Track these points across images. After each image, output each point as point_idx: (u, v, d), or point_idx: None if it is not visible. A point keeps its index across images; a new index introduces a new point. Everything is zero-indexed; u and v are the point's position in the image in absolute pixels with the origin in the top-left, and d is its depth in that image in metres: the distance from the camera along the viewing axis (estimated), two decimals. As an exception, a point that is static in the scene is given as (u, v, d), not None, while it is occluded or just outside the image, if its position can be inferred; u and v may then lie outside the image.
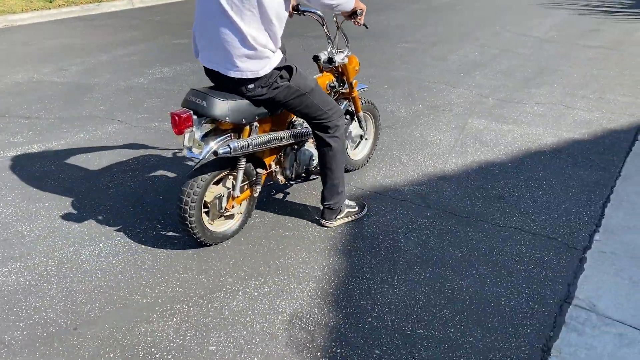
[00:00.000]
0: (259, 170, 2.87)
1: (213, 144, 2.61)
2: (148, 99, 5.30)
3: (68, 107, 5.09)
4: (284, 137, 2.92)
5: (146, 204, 3.37)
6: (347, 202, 3.14)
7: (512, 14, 9.56)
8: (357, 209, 3.18)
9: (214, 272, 2.73)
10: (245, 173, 2.87)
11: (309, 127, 3.06)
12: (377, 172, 3.75)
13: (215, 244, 2.91)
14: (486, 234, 3.02)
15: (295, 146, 3.13)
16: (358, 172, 3.74)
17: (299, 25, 8.01)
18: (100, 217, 3.21)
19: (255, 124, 2.77)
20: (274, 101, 2.69)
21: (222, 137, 2.67)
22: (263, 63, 2.51)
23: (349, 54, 3.29)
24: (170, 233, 3.04)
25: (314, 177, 3.26)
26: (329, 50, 3.22)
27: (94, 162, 3.94)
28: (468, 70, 6.14)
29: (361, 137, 3.71)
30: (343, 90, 3.41)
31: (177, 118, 2.51)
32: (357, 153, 3.78)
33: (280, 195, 3.44)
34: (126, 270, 2.75)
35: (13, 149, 4.18)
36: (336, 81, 3.30)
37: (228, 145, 2.60)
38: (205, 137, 2.69)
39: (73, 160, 3.97)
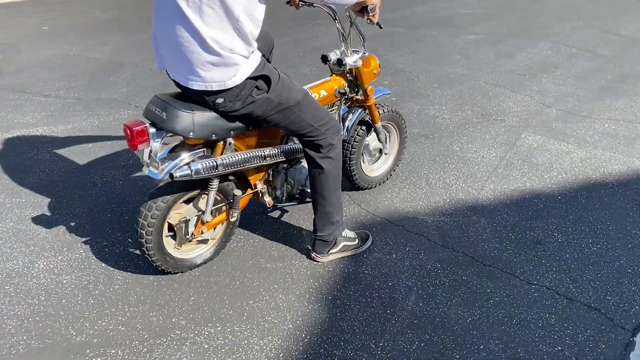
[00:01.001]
0: (236, 192, 2.40)
1: (172, 164, 2.16)
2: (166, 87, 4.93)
3: (90, 87, 4.83)
4: (268, 156, 2.43)
5: (126, 209, 3.00)
6: (346, 233, 2.63)
7: (603, 6, 8.47)
8: (356, 242, 2.66)
9: (168, 309, 2.31)
10: (222, 192, 2.43)
11: None
12: (396, 193, 3.20)
13: (181, 272, 2.49)
14: (510, 292, 2.42)
15: (287, 163, 2.64)
16: (373, 191, 3.21)
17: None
18: (71, 223, 2.88)
19: (230, 140, 2.29)
20: (251, 117, 2.21)
21: (191, 153, 2.23)
22: (231, 72, 2.03)
23: (366, 54, 2.75)
24: (138, 251, 2.66)
25: (307, 202, 2.76)
26: (341, 49, 2.68)
27: (90, 153, 3.62)
28: (535, 72, 5.36)
29: (380, 151, 3.15)
30: (358, 97, 2.87)
31: (129, 131, 2.08)
32: (375, 169, 3.23)
33: (276, 214, 2.98)
34: (74, 294, 2.39)
35: (17, 131, 3.94)
36: (347, 86, 2.76)
37: (188, 166, 2.15)
38: (173, 151, 2.26)
39: (70, 149, 3.68)
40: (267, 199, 2.58)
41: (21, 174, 3.37)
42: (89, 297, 2.37)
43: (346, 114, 2.87)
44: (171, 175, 2.10)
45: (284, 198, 2.66)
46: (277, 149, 2.47)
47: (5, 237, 2.75)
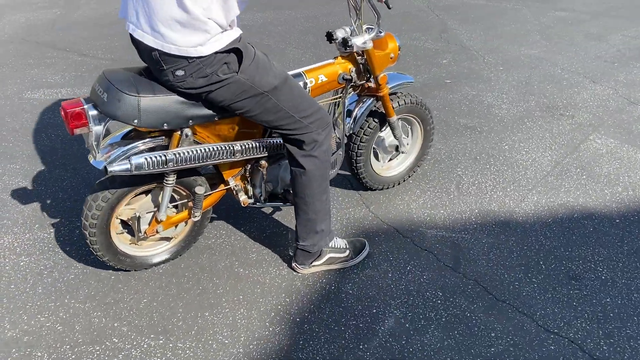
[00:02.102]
0: (197, 190, 2.06)
1: (113, 155, 1.85)
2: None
3: (130, 49, 4.64)
4: (240, 151, 2.06)
5: (115, 187, 2.76)
6: (335, 242, 2.24)
7: None
8: (347, 253, 2.26)
9: (114, 311, 2.05)
10: (186, 187, 2.10)
11: None
12: (416, 196, 2.74)
13: (140, 270, 2.22)
14: (520, 340, 1.94)
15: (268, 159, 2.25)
16: (390, 191, 2.77)
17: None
18: (52, 198, 2.69)
19: (187, 131, 1.91)
20: (215, 101, 1.84)
21: (146, 141, 1.91)
22: (198, 38, 1.65)
23: (381, 34, 2.28)
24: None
25: (291, 204, 2.37)
26: (352, 27, 2.24)
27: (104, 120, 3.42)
28: (627, 60, 4.55)
29: (397, 148, 2.69)
30: (370, 85, 2.41)
31: (63, 113, 1.78)
32: (392, 168, 2.78)
33: (268, 209, 2.63)
34: (25, 280, 2.19)
35: (41, 90, 3.84)
36: (355, 72, 2.31)
37: (128, 160, 1.82)
38: (127, 136, 1.95)
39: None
40: (242, 198, 2.22)
41: (25, 137, 3.24)
42: (38, 286, 2.16)
43: (355, 104, 2.43)
44: (105, 169, 1.79)
45: (262, 198, 2.28)
46: (253, 142, 2.09)
47: (-16, 206, 2.61)
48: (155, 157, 1.84)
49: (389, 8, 2.13)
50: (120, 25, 5.20)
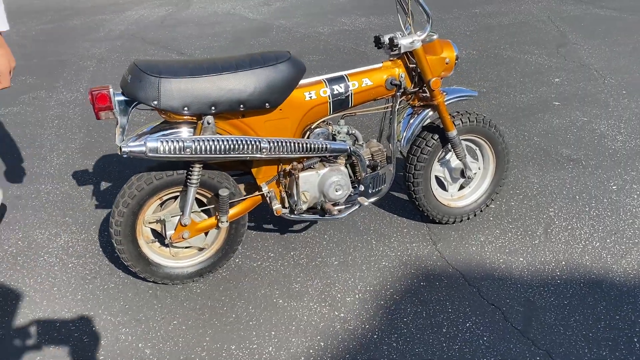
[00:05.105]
0: (222, 192, 1.93)
1: (134, 138, 1.83)
2: (312, 54, 4.54)
3: (227, 49, 4.68)
4: (267, 148, 1.90)
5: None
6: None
7: None
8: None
9: (142, 330, 1.97)
10: (211, 189, 2.00)
11: (344, 142, 2.06)
12: (494, 237, 2.40)
13: (175, 283, 2.13)
14: None
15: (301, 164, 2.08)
16: (463, 227, 2.46)
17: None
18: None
19: (209, 118, 1.84)
20: None
21: (174, 130, 1.87)
22: None
23: (434, 37, 2.05)
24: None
25: (330, 217, 2.14)
26: (407, 31, 2.06)
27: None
28: None
29: (462, 173, 2.37)
30: (422, 94, 2.16)
31: (90, 96, 1.76)
32: (463, 198, 2.47)
33: (335, 226, 2.43)
34: (69, 284, 2.19)
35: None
36: (401, 78, 2.08)
37: (145, 142, 1.75)
38: (159, 126, 1.89)
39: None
40: (276, 207, 2.05)
41: (108, 133, 3.30)
42: (79, 291, 2.14)
43: (409, 117, 2.19)
44: (120, 149, 1.75)
45: (300, 207, 2.10)
46: (285, 140, 1.92)
47: (54, 202, 2.67)
48: (172, 141, 1.77)
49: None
50: (222, 25, 5.26)
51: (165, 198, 2.02)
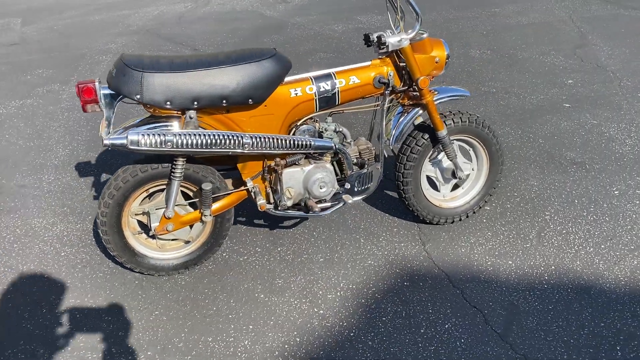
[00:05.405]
0: (204, 186, 1.96)
1: (119, 131, 1.88)
2: (324, 51, 4.54)
3: (241, 45, 4.72)
4: (249, 144, 1.92)
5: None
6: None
7: None
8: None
9: (123, 319, 2.01)
10: (195, 182, 2.03)
11: (329, 140, 2.07)
12: (485, 239, 2.37)
13: (162, 275, 2.17)
14: None
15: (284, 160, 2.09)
16: (454, 228, 2.43)
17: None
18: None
19: (191, 113, 1.87)
20: None
21: (158, 125, 1.90)
22: None
23: (423, 35, 2.04)
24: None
25: (314, 215, 2.14)
26: (397, 29, 2.06)
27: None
28: None
29: (453, 174, 2.35)
30: (412, 93, 2.14)
31: (76, 89, 1.82)
32: (455, 199, 2.44)
33: (324, 222, 2.43)
34: (59, 272, 2.25)
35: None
36: (390, 77, 2.07)
37: (127, 135, 1.80)
38: (145, 119, 1.94)
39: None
40: (260, 202, 2.07)
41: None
42: (68, 280, 2.20)
43: (398, 116, 2.18)
44: (103, 141, 1.82)
45: (284, 203, 2.10)
46: (268, 137, 1.94)
47: (54, 192, 2.74)
48: (152, 135, 1.81)
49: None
50: (238, 22, 5.31)
51: (151, 190, 2.05)
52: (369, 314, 2.00)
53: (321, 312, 2.02)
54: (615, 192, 2.66)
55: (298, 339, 1.91)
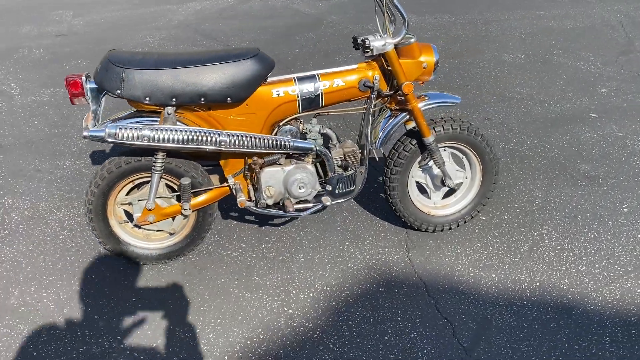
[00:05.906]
0: (183, 181, 2.01)
1: (102, 124, 1.96)
2: (349, 51, 4.53)
3: (270, 43, 4.77)
4: (226, 142, 1.95)
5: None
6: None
7: None
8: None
9: (102, 304, 2.10)
10: (176, 176, 2.09)
11: (311, 141, 2.09)
12: (473, 250, 2.31)
13: (147, 263, 2.25)
14: None
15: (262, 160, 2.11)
16: (443, 236, 2.38)
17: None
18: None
19: (169, 109, 1.94)
20: None
21: (141, 119, 1.97)
22: None
23: (411, 40, 2.01)
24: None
25: (292, 214, 2.15)
26: (386, 33, 2.03)
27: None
28: None
29: (442, 182, 2.29)
30: (399, 98, 2.11)
31: (65, 83, 1.92)
32: (447, 207, 2.39)
33: (310, 227, 2.45)
34: (54, 254, 2.36)
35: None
36: (375, 81, 2.05)
37: (105, 128, 1.88)
38: (131, 113, 2.02)
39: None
40: (240, 199, 2.11)
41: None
42: (60, 262, 2.31)
43: (385, 120, 2.15)
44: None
45: (264, 202, 2.13)
46: (246, 135, 1.97)
47: (66, 178, 2.88)
48: (129, 129, 1.88)
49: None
50: (275, 19, 5.36)
51: (138, 182, 2.12)
52: (337, 317, 2.00)
53: (290, 311, 2.03)
54: (625, 210, 2.53)
55: (261, 336, 1.93)
